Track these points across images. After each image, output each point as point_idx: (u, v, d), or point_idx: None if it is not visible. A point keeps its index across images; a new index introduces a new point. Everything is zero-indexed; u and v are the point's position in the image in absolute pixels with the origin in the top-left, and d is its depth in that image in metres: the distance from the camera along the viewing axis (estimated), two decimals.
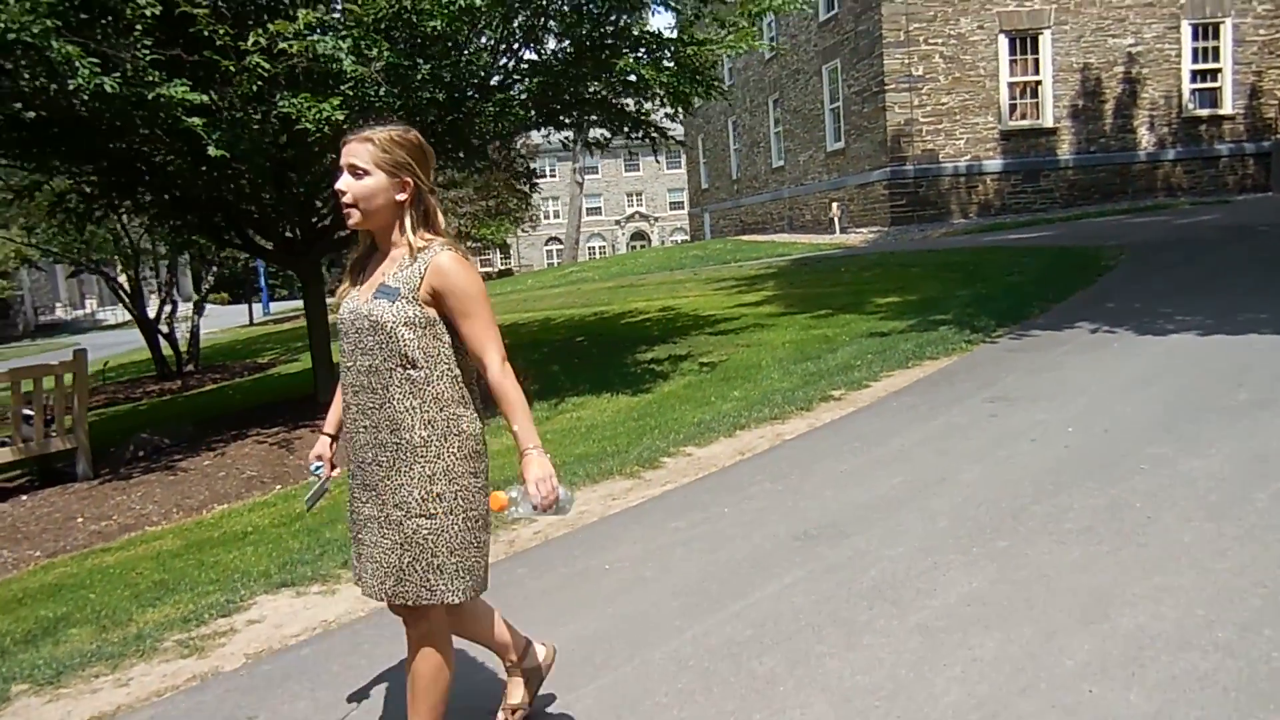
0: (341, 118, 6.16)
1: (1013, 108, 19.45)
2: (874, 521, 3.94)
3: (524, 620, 2.94)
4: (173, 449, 7.27)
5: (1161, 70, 19.71)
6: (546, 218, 68.11)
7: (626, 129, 9.76)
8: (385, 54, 6.47)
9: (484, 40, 7.33)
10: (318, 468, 2.47)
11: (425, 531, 2.14)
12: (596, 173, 69.82)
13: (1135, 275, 10.13)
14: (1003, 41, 19.17)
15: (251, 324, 32.74)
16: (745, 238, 26.01)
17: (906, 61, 18.86)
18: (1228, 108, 19.99)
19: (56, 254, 17.18)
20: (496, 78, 8.06)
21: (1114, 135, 19.72)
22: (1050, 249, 12.59)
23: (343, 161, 2.15)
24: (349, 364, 2.21)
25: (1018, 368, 6.58)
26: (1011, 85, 19.38)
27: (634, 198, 73.48)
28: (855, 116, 20.52)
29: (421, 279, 2.11)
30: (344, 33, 6.27)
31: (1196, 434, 4.53)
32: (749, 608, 3.25)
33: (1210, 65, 19.94)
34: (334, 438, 2.49)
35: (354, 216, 2.17)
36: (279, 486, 6.15)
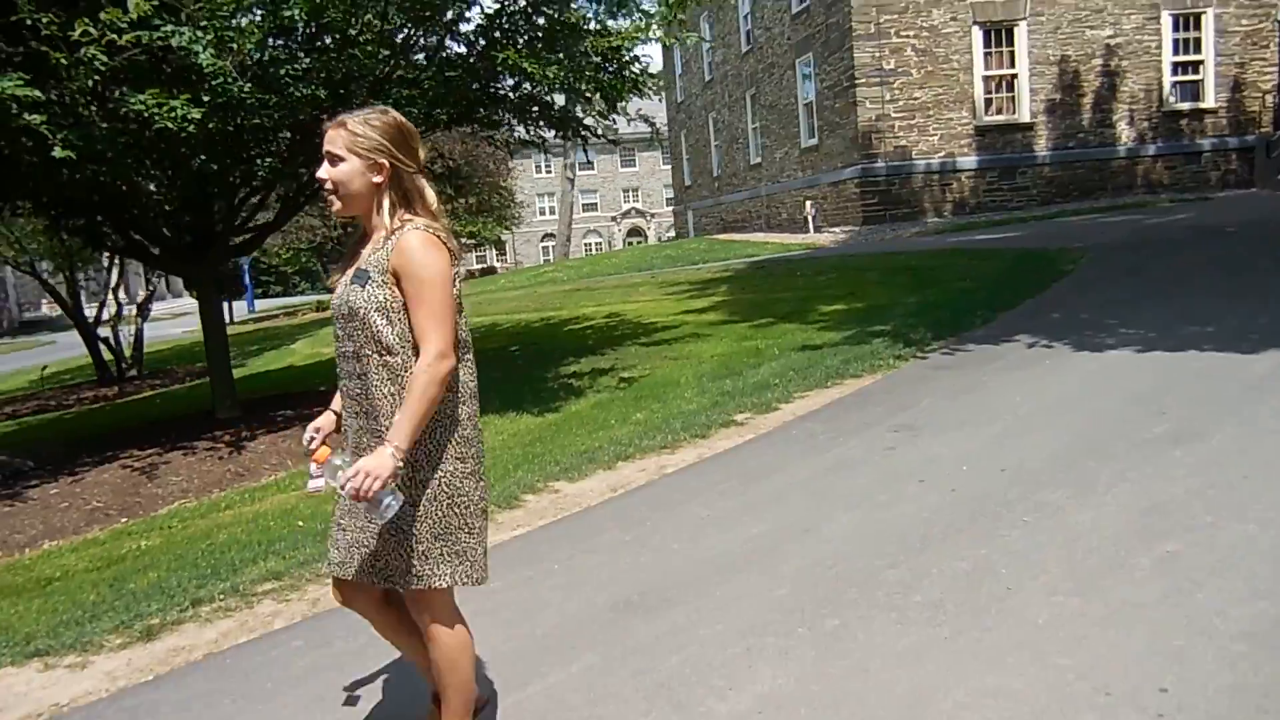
0: (198, 115, 5.64)
1: (988, 102, 18.90)
2: (709, 587, 3.42)
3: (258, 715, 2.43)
4: (34, 472, 6.76)
5: (1141, 62, 19.14)
6: (541, 214, 67.65)
7: (547, 127, 9.25)
8: (249, 46, 5.95)
9: (369, 33, 6.78)
10: (311, 439, 2.32)
11: (409, 518, 2.11)
12: (592, 168, 69.38)
13: (1090, 281, 9.61)
14: (977, 33, 18.60)
15: (231, 322, 32.17)
16: (722, 237, 25.47)
17: (877, 55, 18.30)
18: (1210, 101, 19.42)
19: None
20: (399, 72, 7.53)
21: (1093, 130, 19.16)
22: (1012, 252, 12.06)
23: (324, 150, 2.13)
24: (339, 350, 2.20)
25: (938, 389, 6.06)
26: (986, 79, 18.82)
27: (630, 194, 72.90)
28: (828, 112, 19.97)
29: (388, 260, 2.07)
30: (203, 22, 5.74)
31: (1097, 476, 4.01)
32: (514, 707, 2.74)
33: (1192, 57, 19.37)
34: (339, 416, 2.33)
35: (335, 203, 2.15)
36: (125, 519, 5.64)
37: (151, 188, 7.45)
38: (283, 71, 6.19)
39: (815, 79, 20.44)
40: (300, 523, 4.99)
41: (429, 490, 2.11)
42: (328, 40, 6.60)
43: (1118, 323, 7.37)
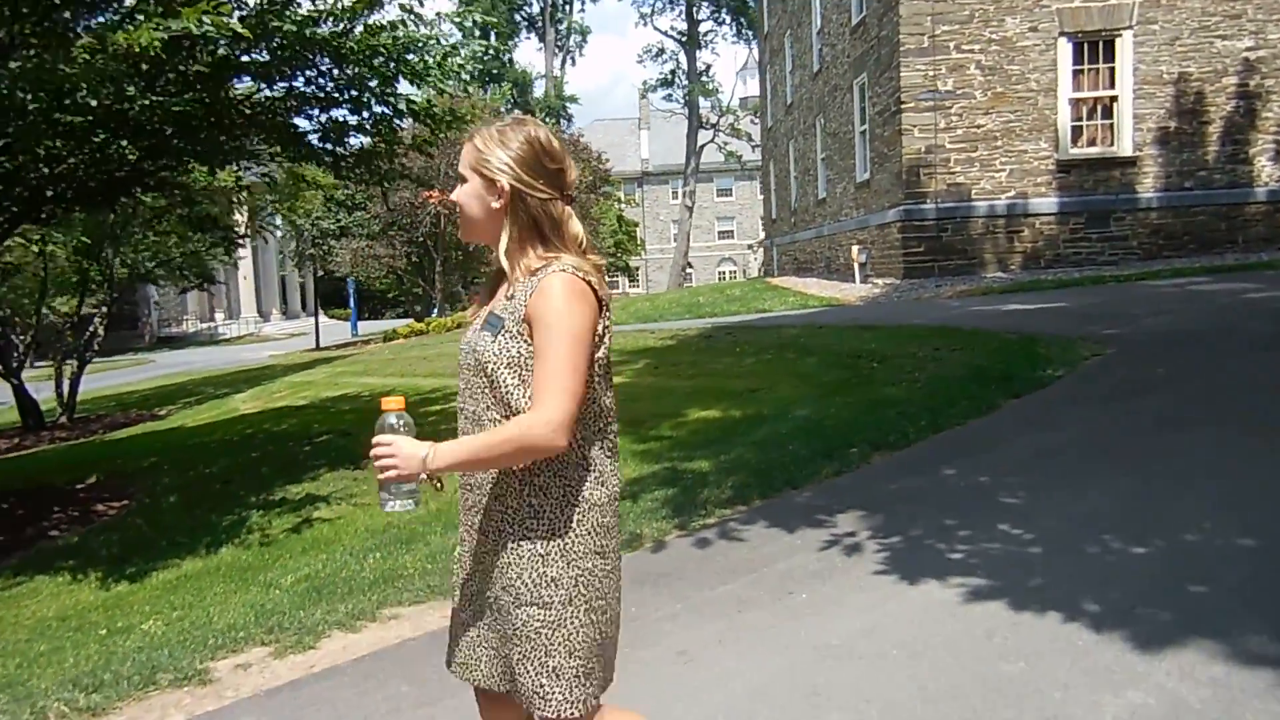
0: None
1: (1076, 131, 15.16)
2: None
3: None
4: None
5: None
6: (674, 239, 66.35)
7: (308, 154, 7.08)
8: None
9: None
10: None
11: (537, 624, 1.74)
12: (730, 195, 68.71)
13: (1066, 403, 6.35)
14: (1064, 47, 14.94)
15: (318, 347, 31.52)
16: (776, 280, 22.44)
17: (931, 74, 14.98)
18: None
19: None
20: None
21: (1219, 167, 15.04)
22: (1013, 335, 8.71)
23: (459, 169, 1.83)
24: (461, 405, 1.83)
25: None
26: (1075, 103, 15.10)
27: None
28: (878, 142, 16.72)
29: (525, 306, 1.72)
30: None
31: None
32: None
33: None
34: None
35: (463, 229, 1.87)
36: None
37: None
38: None
39: (869, 103, 17.25)
40: None
41: (561, 591, 1.72)
42: None
43: (1009, 512, 4.26)
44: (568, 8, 49.11)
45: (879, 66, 16.31)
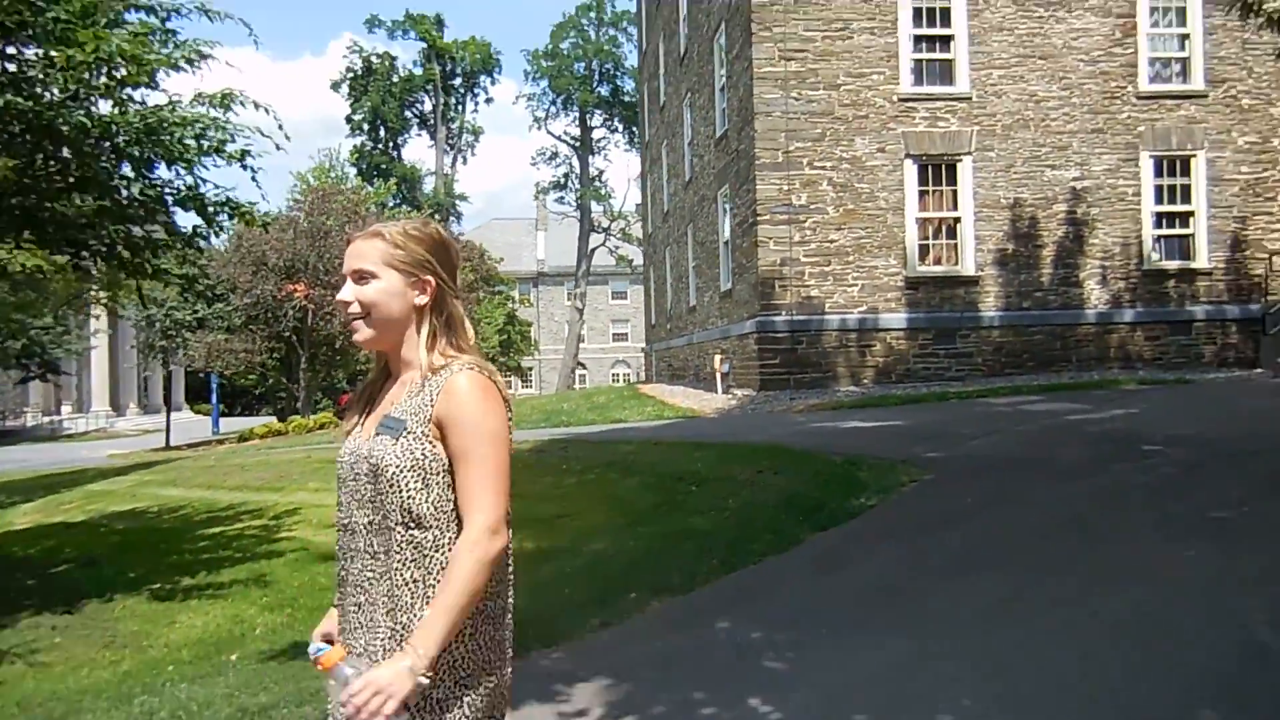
0: None
1: (923, 249, 15.62)
2: None
3: None
4: None
5: (1116, 210, 15.75)
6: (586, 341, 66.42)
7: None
8: None
9: None
10: (319, 650, 1.71)
11: None
12: (625, 299, 69.60)
13: (858, 543, 6.10)
14: (910, 169, 15.51)
15: (167, 446, 29.52)
16: (650, 388, 22.31)
17: (786, 188, 15.29)
18: (1203, 260, 15.82)
19: None
20: None
21: (1054, 289, 15.67)
22: (841, 457, 8.52)
23: (346, 267, 1.77)
24: (345, 520, 1.74)
25: None
26: (921, 222, 15.60)
27: None
28: (739, 252, 16.91)
29: (432, 406, 1.67)
30: None
31: None
32: None
33: (1179, 207, 15.91)
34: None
35: (362, 331, 1.76)
36: None
37: None
38: None
39: (731, 214, 17.51)
40: None
41: (448, 715, 1.62)
42: None
43: (770, 679, 3.83)
44: (460, 108, 49.59)
45: (739, 179, 16.60)
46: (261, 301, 26.41)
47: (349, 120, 46.06)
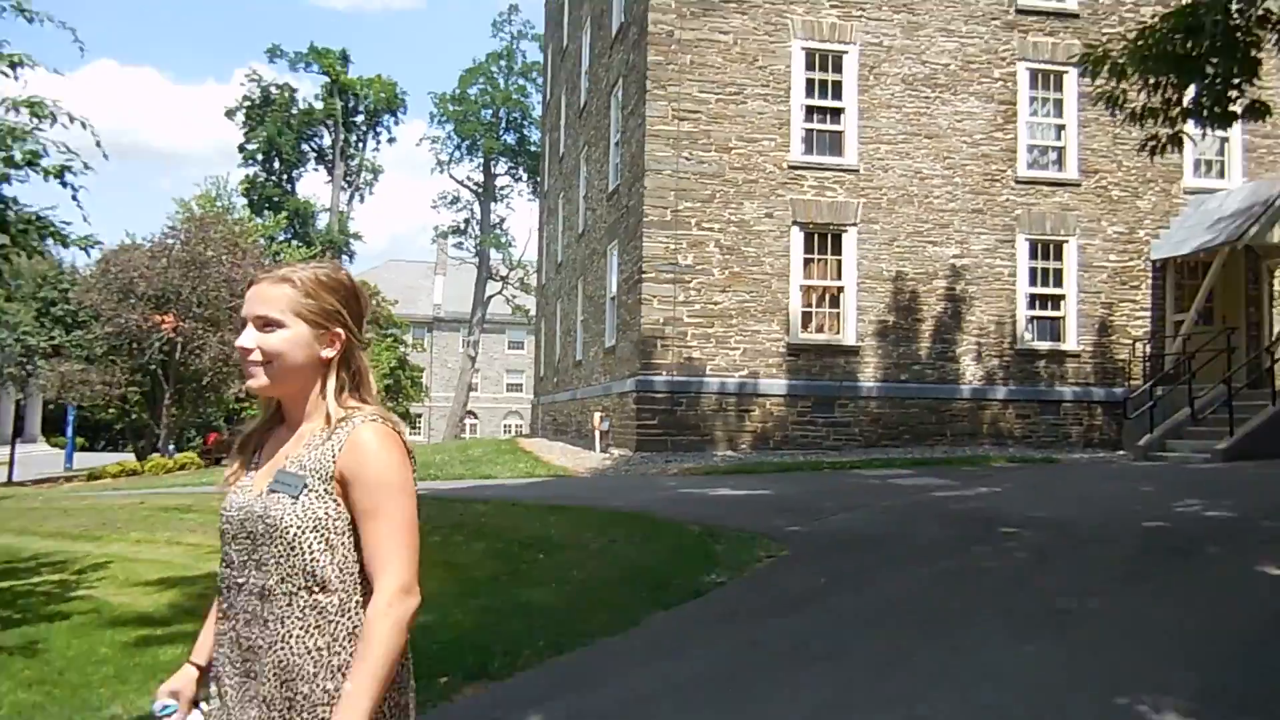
0: None
1: (806, 317, 15.63)
2: None
3: None
4: None
5: (993, 290, 16.12)
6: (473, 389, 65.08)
7: None
8: None
9: None
10: (167, 709, 1.67)
11: None
12: (521, 348, 68.73)
13: (698, 626, 5.69)
14: (796, 236, 15.57)
15: (9, 481, 27.10)
16: (530, 443, 21.75)
17: (673, 247, 15.13)
18: (1071, 343, 16.30)
19: None
20: None
21: (931, 363, 15.86)
22: (700, 528, 8.15)
23: (247, 310, 1.65)
24: (232, 580, 1.63)
25: None
26: (806, 289, 15.64)
27: None
28: (624, 309, 16.64)
29: (335, 461, 1.59)
30: None
31: None
32: None
33: (1051, 290, 16.40)
34: (203, 670, 1.72)
35: (259, 378, 1.64)
36: None
37: None
38: None
39: (619, 270, 17.26)
40: None
41: None
42: None
43: None
44: (361, 145, 48.62)
45: (628, 235, 16.39)
46: (126, 331, 24.84)
47: (242, 149, 44.52)
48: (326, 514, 1.56)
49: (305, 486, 1.57)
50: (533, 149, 44.92)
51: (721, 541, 7.66)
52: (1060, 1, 16.81)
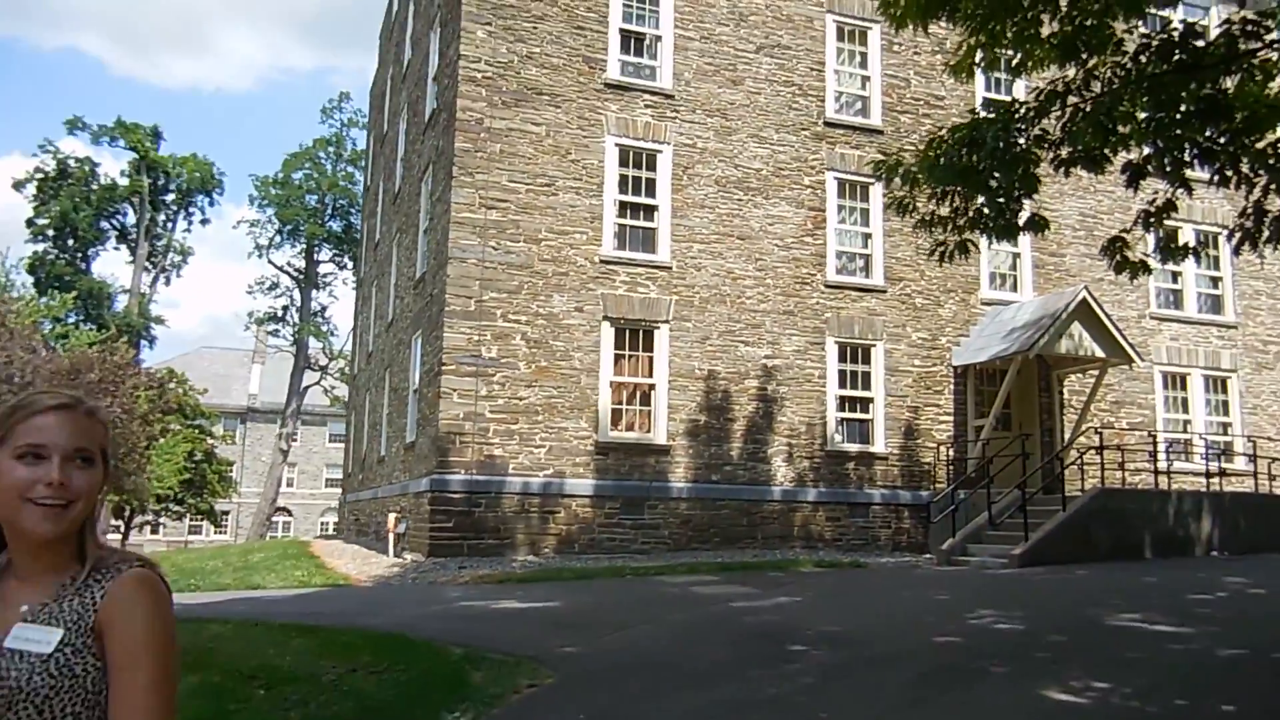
0: None
1: (616, 414, 15.01)
2: None
3: None
4: None
5: (804, 391, 16.07)
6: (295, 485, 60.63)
7: None
8: None
9: None
10: None
11: None
12: (342, 442, 64.85)
13: None
14: (607, 331, 15.05)
15: None
16: (320, 545, 19.98)
17: (476, 339, 14.27)
18: (880, 446, 16.38)
19: None
20: None
21: (743, 464, 15.50)
22: (462, 651, 7.09)
23: (61, 440, 1.46)
24: None
25: None
26: (616, 386, 15.06)
27: None
28: (424, 403, 15.55)
29: (95, 611, 1.43)
30: None
31: None
32: None
33: (861, 393, 16.54)
34: None
35: (60, 522, 1.45)
36: None
37: None
38: None
39: (421, 361, 16.21)
40: None
41: None
42: None
43: None
44: (170, 225, 45.65)
45: (430, 325, 15.43)
46: None
47: (30, 224, 40.82)
48: (84, 671, 1.41)
49: (61, 641, 1.41)
50: (358, 237, 43.53)
51: (482, 667, 6.63)
52: (865, 118, 17.50)
